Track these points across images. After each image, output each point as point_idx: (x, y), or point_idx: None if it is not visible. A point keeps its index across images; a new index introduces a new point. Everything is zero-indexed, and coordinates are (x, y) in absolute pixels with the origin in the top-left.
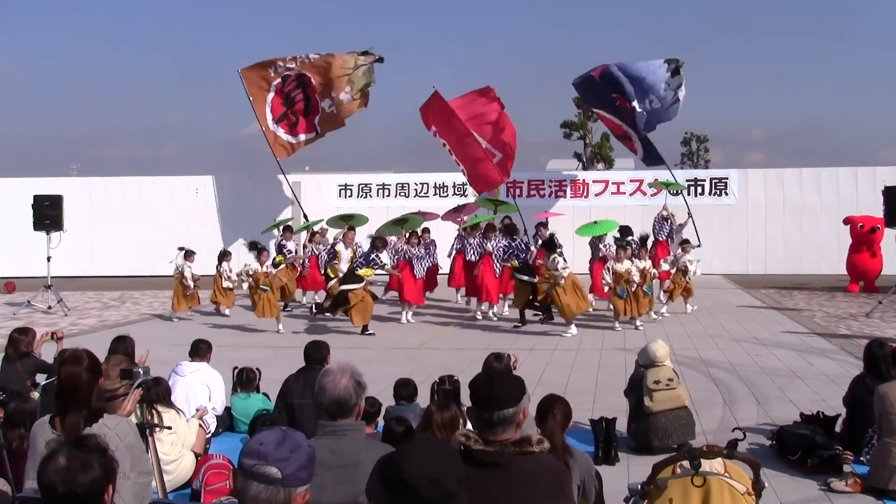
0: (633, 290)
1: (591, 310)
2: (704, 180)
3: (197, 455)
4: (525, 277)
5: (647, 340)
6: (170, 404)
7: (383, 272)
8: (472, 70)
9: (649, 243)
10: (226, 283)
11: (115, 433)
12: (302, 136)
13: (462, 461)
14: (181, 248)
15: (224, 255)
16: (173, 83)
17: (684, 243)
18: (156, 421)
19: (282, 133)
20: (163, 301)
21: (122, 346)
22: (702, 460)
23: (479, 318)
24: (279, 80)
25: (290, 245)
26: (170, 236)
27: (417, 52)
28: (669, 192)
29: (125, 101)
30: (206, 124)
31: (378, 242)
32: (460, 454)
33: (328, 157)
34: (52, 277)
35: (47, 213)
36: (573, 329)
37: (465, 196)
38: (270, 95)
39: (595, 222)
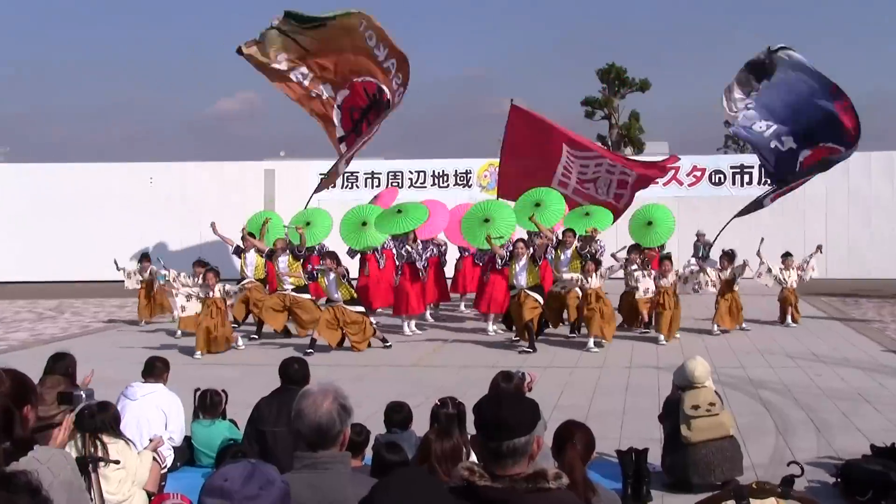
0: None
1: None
2: (752, 167)
3: (150, 494)
4: (537, 296)
5: (683, 357)
6: (118, 434)
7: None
8: (477, 38)
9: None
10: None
11: (47, 468)
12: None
13: (452, 498)
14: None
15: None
16: (126, 55)
17: (786, 256)
18: (100, 454)
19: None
20: (109, 311)
21: (61, 364)
22: (751, 500)
23: (492, 333)
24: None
25: (250, 256)
26: (118, 234)
27: (415, 17)
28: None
29: (66, 76)
30: (164, 102)
31: (328, 260)
32: (464, 491)
33: (306, 141)
34: None
35: None
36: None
37: (469, 186)
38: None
39: (586, 213)
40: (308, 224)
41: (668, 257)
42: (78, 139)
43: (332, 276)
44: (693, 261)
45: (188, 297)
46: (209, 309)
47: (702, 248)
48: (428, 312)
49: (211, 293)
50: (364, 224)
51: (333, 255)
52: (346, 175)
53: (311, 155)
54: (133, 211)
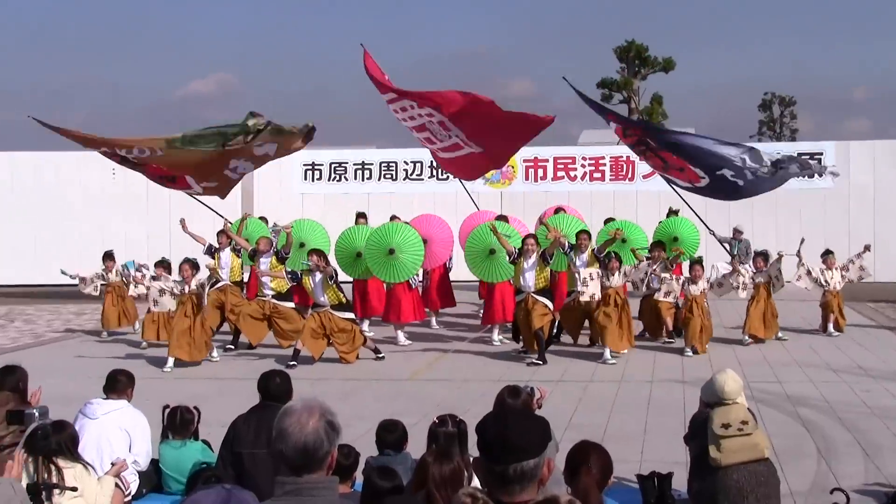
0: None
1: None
2: (790, 156)
3: None
4: (546, 301)
5: (712, 369)
6: (75, 457)
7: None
8: (481, 11)
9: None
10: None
11: None
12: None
13: None
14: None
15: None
16: (85, 28)
17: (827, 254)
18: (55, 480)
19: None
20: (66, 318)
21: (11, 379)
22: None
23: (497, 343)
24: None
25: (224, 255)
26: (75, 233)
27: None
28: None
29: (13, 50)
30: (124, 83)
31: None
32: None
33: None
34: None
35: None
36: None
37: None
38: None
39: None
40: (302, 246)
41: (700, 262)
42: (28, 124)
43: (318, 276)
44: (721, 266)
45: (161, 291)
46: (184, 307)
47: (737, 246)
48: (434, 320)
49: (187, 287)
50: (359, 255)
51: (321, 254)
52: (333, 165)
53: None
54: (92, 206)
